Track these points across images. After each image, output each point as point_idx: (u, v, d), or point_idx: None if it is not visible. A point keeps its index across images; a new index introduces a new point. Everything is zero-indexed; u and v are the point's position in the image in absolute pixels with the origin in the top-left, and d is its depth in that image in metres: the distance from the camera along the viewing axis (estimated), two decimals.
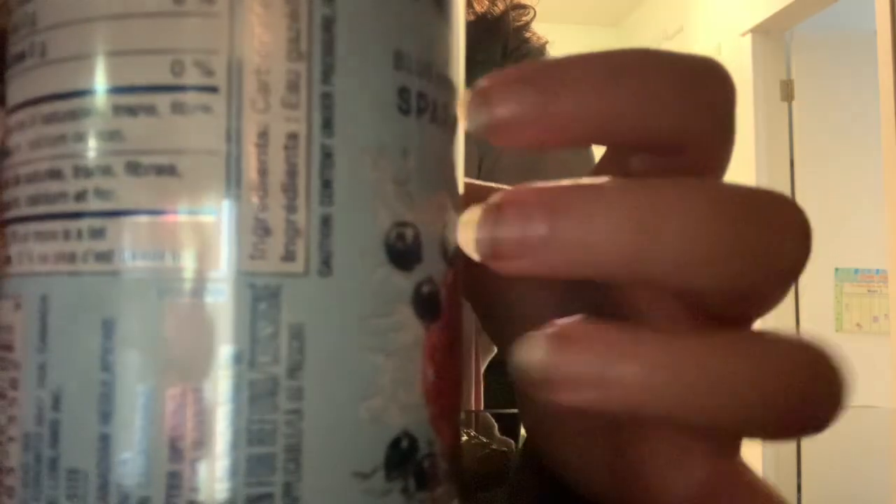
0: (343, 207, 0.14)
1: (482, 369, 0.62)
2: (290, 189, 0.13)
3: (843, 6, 2.78)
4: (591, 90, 0.16)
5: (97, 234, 0.13)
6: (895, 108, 2.41)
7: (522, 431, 0.28)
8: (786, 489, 0.31)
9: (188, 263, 0.13)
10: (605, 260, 0.15)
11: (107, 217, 0.13)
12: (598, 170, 0.19)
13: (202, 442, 0.13)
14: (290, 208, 0.13)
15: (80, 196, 0.13)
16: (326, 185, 0.14)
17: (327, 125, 0.14)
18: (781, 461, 0.36)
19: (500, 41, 0.63)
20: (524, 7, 0.66)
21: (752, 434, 0.17)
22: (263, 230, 0.13)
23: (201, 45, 0.13)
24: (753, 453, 0.33)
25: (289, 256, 0.13)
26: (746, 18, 3.13)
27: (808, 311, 3.14)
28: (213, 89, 0.13)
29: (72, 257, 0.13)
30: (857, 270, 3.18)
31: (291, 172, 0.13)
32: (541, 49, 0.66)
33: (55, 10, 0.14)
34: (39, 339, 0.14)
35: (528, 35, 0.66)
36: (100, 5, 0.13)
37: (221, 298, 0.13)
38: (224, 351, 0.13)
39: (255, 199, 0.13)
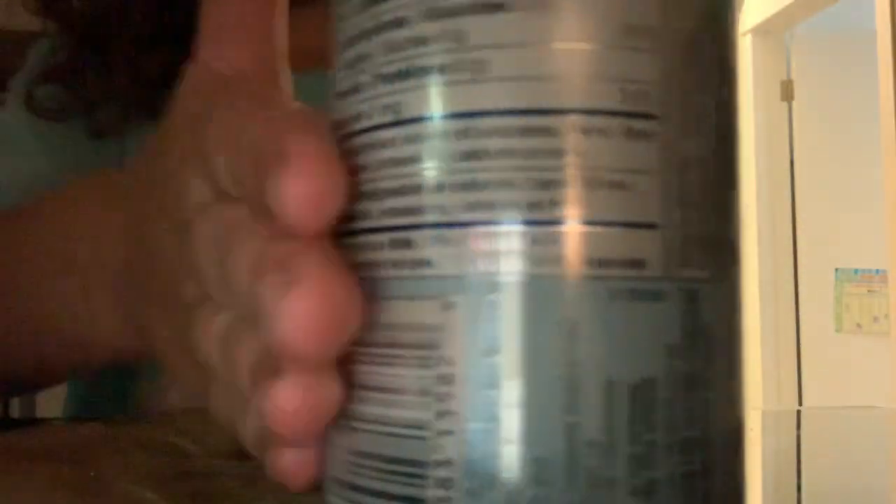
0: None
1: None
2: (700, 206, 0.16)
3: (843, 6, 2.81)
4: None
5: (553, 240, 0.15)
6: (895, 108, 2.44)
7: None
8: (786, 489, 0.32)
9: (635, 270, 0.15)
10: None
11: (565, 225, 0.15)
12: None
13: (655, 427, 0.15)
14: (700, 221, 0.16)
15: (534, 206, 0.15)
16: (714, 203, 0.16)
17: (716, 152, 0.16)
18: (781, 461, 0.37)
19: None
20: None
21: None
22: (687, 241, 0.15)
23: (643, 76, 0.15)
24: (753, 453, 0.34)
25: (700, 264, 0.15)
26: (746, 18, 3.16)
27: (808, 311, 3.17)
28: (651, 117, 0.15)
29: (524, 261, 0.15)
30: (857, 271, 3.19)
31: (702, 192, 0.16)
32: None
33: (499, 32, 0.15)
34: (486, 339, 0.15)
35: None
36: (554, 35, 0.15)
37: (662, 300, 0.15)
38: (665, 346, 0.15)
39: (681, 214, 0.15)
